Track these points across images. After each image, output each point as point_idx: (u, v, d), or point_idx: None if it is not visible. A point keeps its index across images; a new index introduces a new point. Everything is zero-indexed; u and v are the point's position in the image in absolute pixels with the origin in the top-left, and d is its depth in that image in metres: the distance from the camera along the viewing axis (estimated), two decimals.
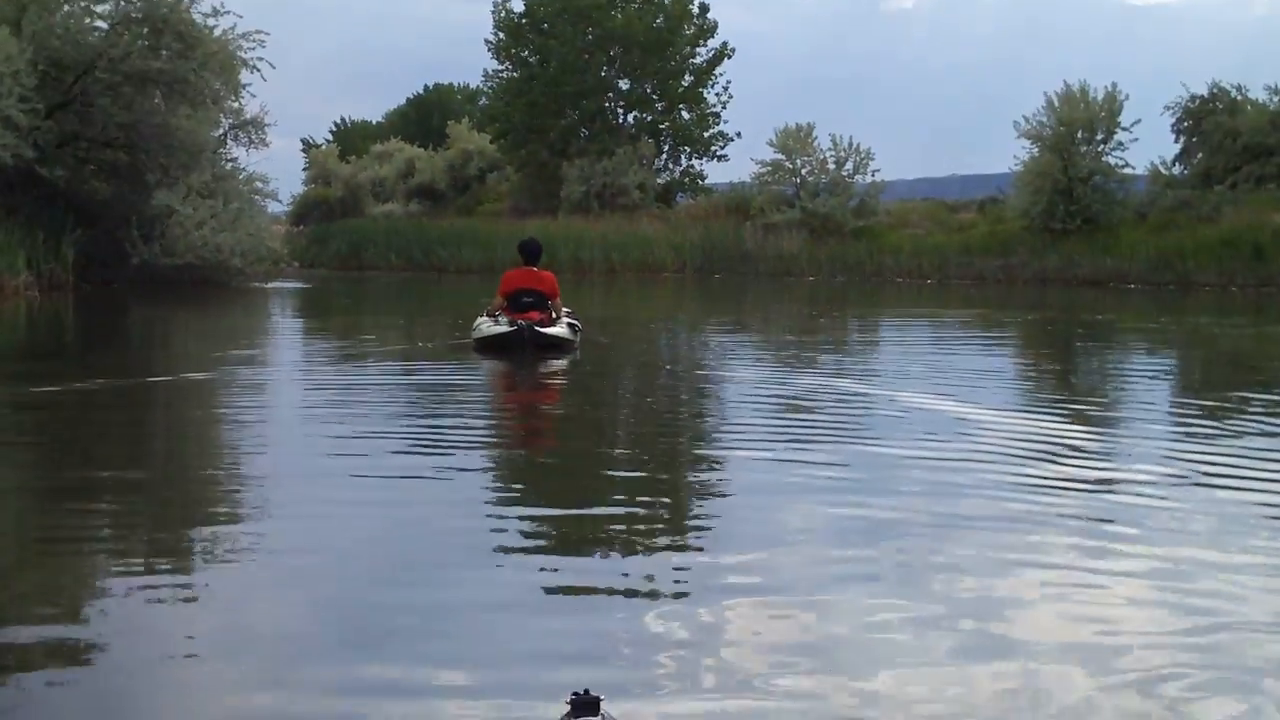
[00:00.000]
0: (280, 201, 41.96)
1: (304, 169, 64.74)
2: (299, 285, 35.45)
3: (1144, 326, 23.25)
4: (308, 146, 72.90)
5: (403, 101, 76.64)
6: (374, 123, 77.41)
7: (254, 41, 31.32)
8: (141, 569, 5.72)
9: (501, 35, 51.93)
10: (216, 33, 30.57)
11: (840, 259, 41.35)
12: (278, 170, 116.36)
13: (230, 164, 35.60)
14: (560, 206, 47.98)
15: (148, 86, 30.15)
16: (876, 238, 42.18)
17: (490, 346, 15.62)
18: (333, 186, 60.50)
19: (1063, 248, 37.48)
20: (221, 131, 38.36)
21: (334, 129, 79.41)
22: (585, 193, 47.81)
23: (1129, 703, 4.18)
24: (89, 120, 30.23)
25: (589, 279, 39.53)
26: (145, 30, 29.91)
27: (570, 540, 6.38)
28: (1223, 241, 34.88)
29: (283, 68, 42.52)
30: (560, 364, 15.08)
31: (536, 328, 15.34)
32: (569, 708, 1.96)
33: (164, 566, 5.77)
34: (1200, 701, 4.18)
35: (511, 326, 15.40)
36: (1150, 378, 15.55)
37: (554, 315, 15.93)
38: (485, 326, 15.84)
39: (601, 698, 1.95)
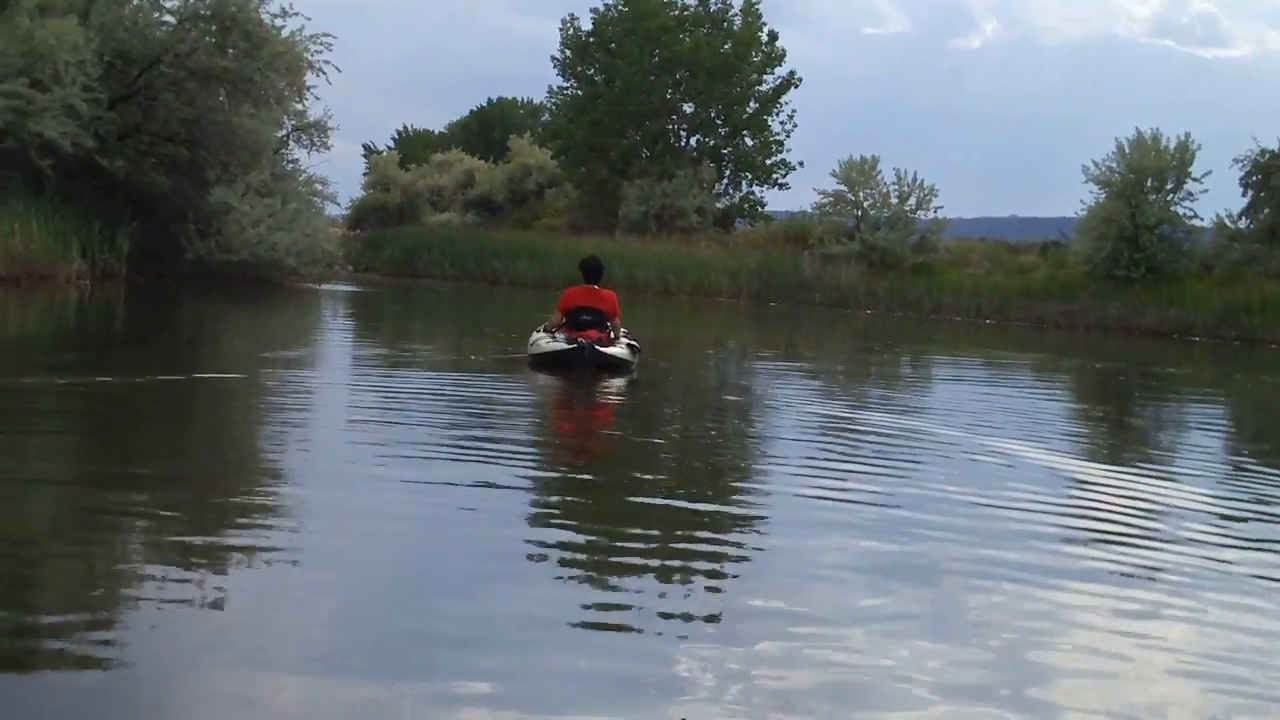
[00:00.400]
0: (338, 205, 41.84)
1: (364, 174, 64.78)
2: (352, 289, 35.22)
3: (1209, 380, 22.59)
4: (369, 152, 73.14)
5: (466, 113, 76.76)
6: (436, 132, 77.51)
7: (321, 44, 31.23)
8: (174, 569, 5.58)
9: (568, 53, 51.73)
10: (284, 33, 30.47)
11: (898, 294, 40.73)
12: (337, 174, 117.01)
13: (291, 165, 35.59)
14: (617, 225, 47.63)
15: (212, 84, 29.99)
16: (936, 275, 41.57)
17: (548, 363, 15.29)
18: (391, 193, 60.48)
19: (1126, 295, 36.77)
20: (284, 132, 38.48)
21: (396, 136, 79.56)
22: (644, 213, 47.45)
23: None
24: (151, 114, 30.10)
25: (643, 299, 39.16)
26: (213, 27, 29.77)
27: (607, 564, 6.24)
28: None
29: (348, 72, 42.53)
30: (617, 384, 14.67)
31: (597, 347, 14.96)
32: None
33: (197, 568, 5.61)
34: None
35: (571, 344, 15.04)
36: (1211, 435, 15.07)
37: (612, 335, 15.51)
38: (544, 343, 15.51)
39: None
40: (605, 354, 15.09)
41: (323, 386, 13.50)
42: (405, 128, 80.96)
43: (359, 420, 10.76)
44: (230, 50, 29.62)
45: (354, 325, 25.13)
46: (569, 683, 4.42)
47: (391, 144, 75.67)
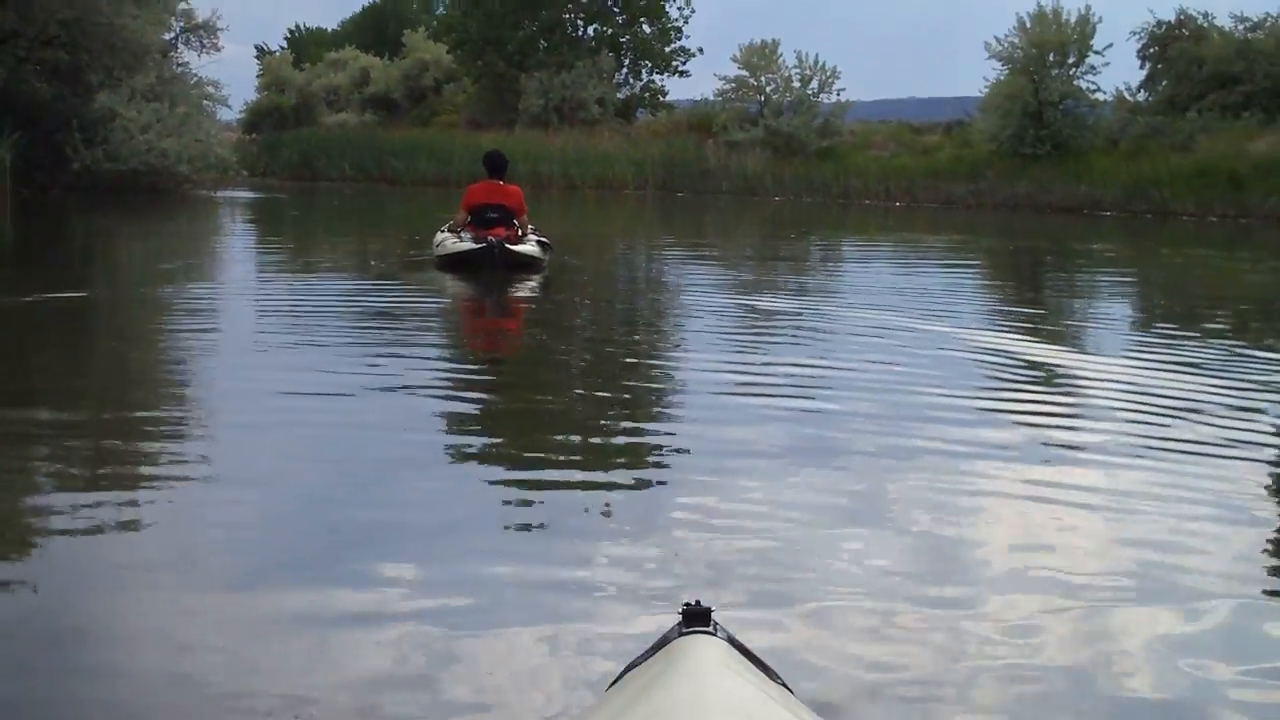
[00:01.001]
0: (231, 109, 40.44)
1: (257, 76, 62.89)
2: (249, 195, 34.19)
3: (1128, 257, 22.41)
4: (261, 53, 70.99)
5: (358, 9, 74.69)
6: (329, 30, 75.36)
7: None
8: (83, 490, 5.43)
9: None
10: None
11: (805, 179, 40.30)
12: (230, 77, 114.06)
13: (180, 68, 34.36)
14: (517, 120, 46.64)
15: None
16: (841, 159, 41.17)
17: (456, 264, 14.73)
18: (286, 94, 58.81)
19: (1032, 173, 36.62)
20: (172, 34, 37.16)
21: (288, 36, 77.36)
22: (543, 106, 46.48)
23: (1072, 627, 4.15)
24: (28, 16, 28.71)
25: (548, 195, 38.44)
26: None
27: (525, 462, 6.21)
28: (1198, 171, 34.06)
29: None
30: (530, 284, 14.16)
31: (507, 245, 14.39)
32: (680, 618, 1.90)
33: (108, 488, 5.46)
34: (1137, 625, 4.17)
35: (480, 243, 14.43)
36: (1117, 306, 15.24)
37: (520, 232, 14.89)
38: (450, 243, 14.92)
39: (712, 608, 1.89)
40: (516, 252, 14.53)
41: (222, 299, 12.97)
42: (298, 26, 78.82)
43: (263, 332, 10.37)
44: None
45: (252, 233, 24.37)
46: (490, 586, 4.36)
47: (284, 44, 73.64)
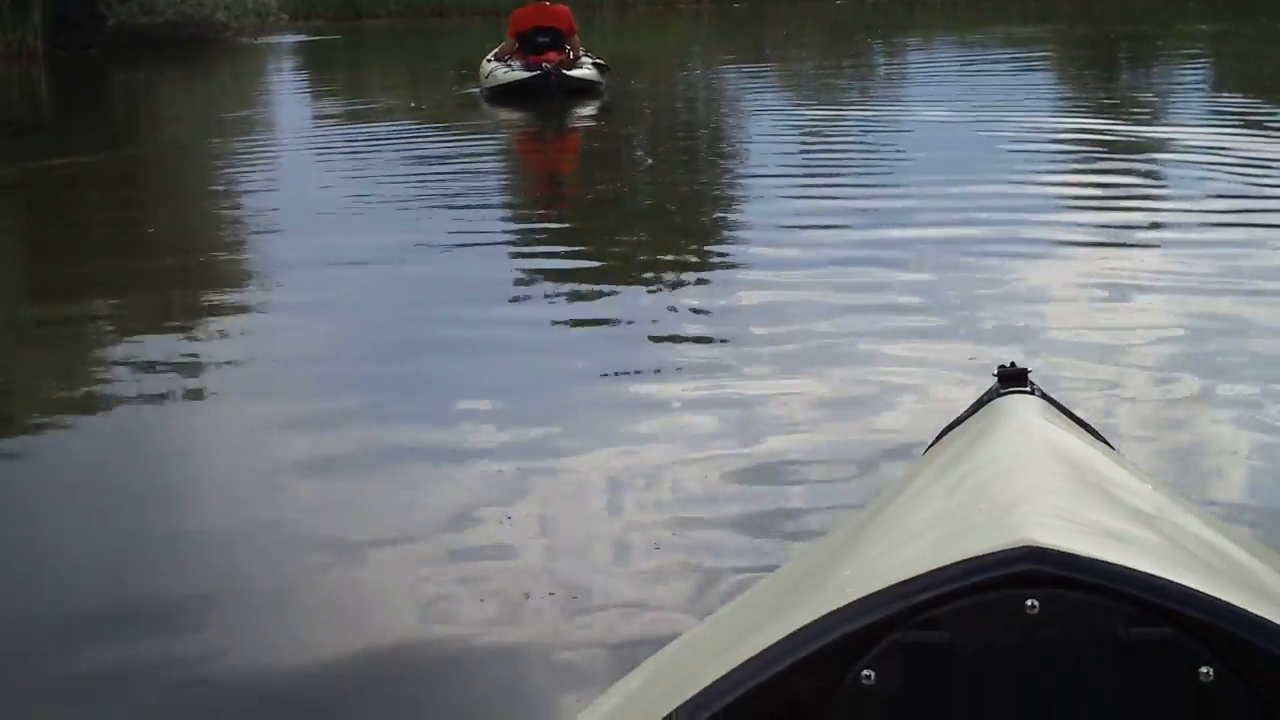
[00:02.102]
0: None
1: None
2: (292, 39, 32.76)
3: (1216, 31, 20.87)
4: None
5: None
6: None
7: None
8: (153, 330, 5.71)
9: None
10: None
11: None
12: None
13: None
14: None
15: None
16: None
17: (510, 93, 13.86)
18: None
19: None
20: None
21: None
22: None
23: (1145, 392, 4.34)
24: None
25: (600, 15, 36.96)
26: None
27: (595, 283, 6.36)
28: None
29: None
30: (589, 110, 13.17)
31: (563, 70, 13.41)
32: (996, 380, 1.83)
33: (174, 326, 5.80)
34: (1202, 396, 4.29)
35: (533, 70, 13.44)
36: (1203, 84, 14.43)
37: (572, 56, 13.80)
38: (501, 73, 13.98)
39: (1029, 370, 1.82)
40: (573, 77, 13.63)
41: (266, 152, 12.15)
42: None
43: (319, 184, 9.80)
44: None
45: (292, 79, 23.31)
46: (566, 389, 4.62)
47: None
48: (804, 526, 3.43)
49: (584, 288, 6.27)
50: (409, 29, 36.70)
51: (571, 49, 14.16)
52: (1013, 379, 1.81)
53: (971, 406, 1.87)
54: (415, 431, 4.24)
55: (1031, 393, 1.79)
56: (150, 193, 10.27)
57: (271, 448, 4.19)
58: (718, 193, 8.99)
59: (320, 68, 25.56)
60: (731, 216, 8.13)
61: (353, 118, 15.04)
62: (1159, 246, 6.38)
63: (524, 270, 6.76)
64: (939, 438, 1.91)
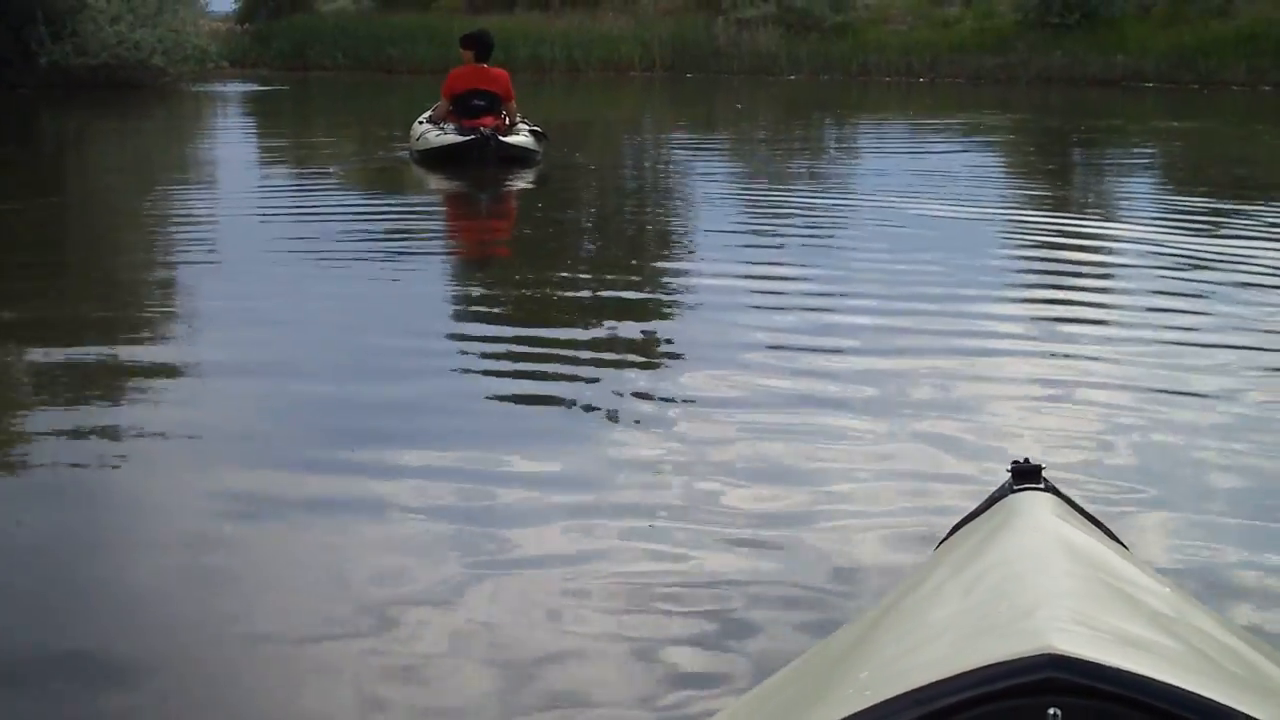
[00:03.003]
0: None
1: None
2: (232, 88, 31.62)
3: (1174, 128, 20.22)
4: None
5: None
6: None
7: None
8: (73, 386, 5.46)
9: None
10: None
11: (821, 56, 37.86)
12: None
13: None
14: (517, 2, 44.06)
15: None
16: (858, 34, 38.70)
17: (441, 158, 12.97)
18: None
19: (1066, 44, 34.10)
20: None
21: None
22: None
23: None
24: None
25: (550, 80, 36.18)
26: None
27: (532, 352, 6.10)
28: (1244, 37, 31.48)
29: None
30: (525, 179, 12.70)
31: (500, 137, 12.62)
32: (1010, 475, 1.86)
33: (96, 381, 5.53)
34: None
35: (468, 134, 12.60)
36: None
37: (509, 121, 12.94)
38: (433, 136, 13.11)
39: (1043, 465, 1.85)
40: (509, 144, 12.82)
41: (197, 204, 11.54)
42: None
43: (243, 241, 9.29)
44: None
45: (227, 132, 22.12)
46: (503, 449, 4.48)
47: None
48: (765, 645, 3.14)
49: (521, 348, 6.16)
50: (355, 82, 35.73)
51: (508, 114, 13.29)
52: (1026, 475, 1.82)
53: (985, 502, 1.85)
54: (345, 492, 4.15)
55: (1045, 489, 1.79)
56: (72, 241, 9.81)
57: (200, 505, 4.08)
58: (658, 279, 8.26)
59: (255, 120, 24.49)
60: (671, 307, 7.47)
61: (279, 174, 14.14)
62: (1105, 344, 6.14)
63: (451, 341, 6.45)
64: (951, 533, 1.89)
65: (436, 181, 12.84)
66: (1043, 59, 34.20)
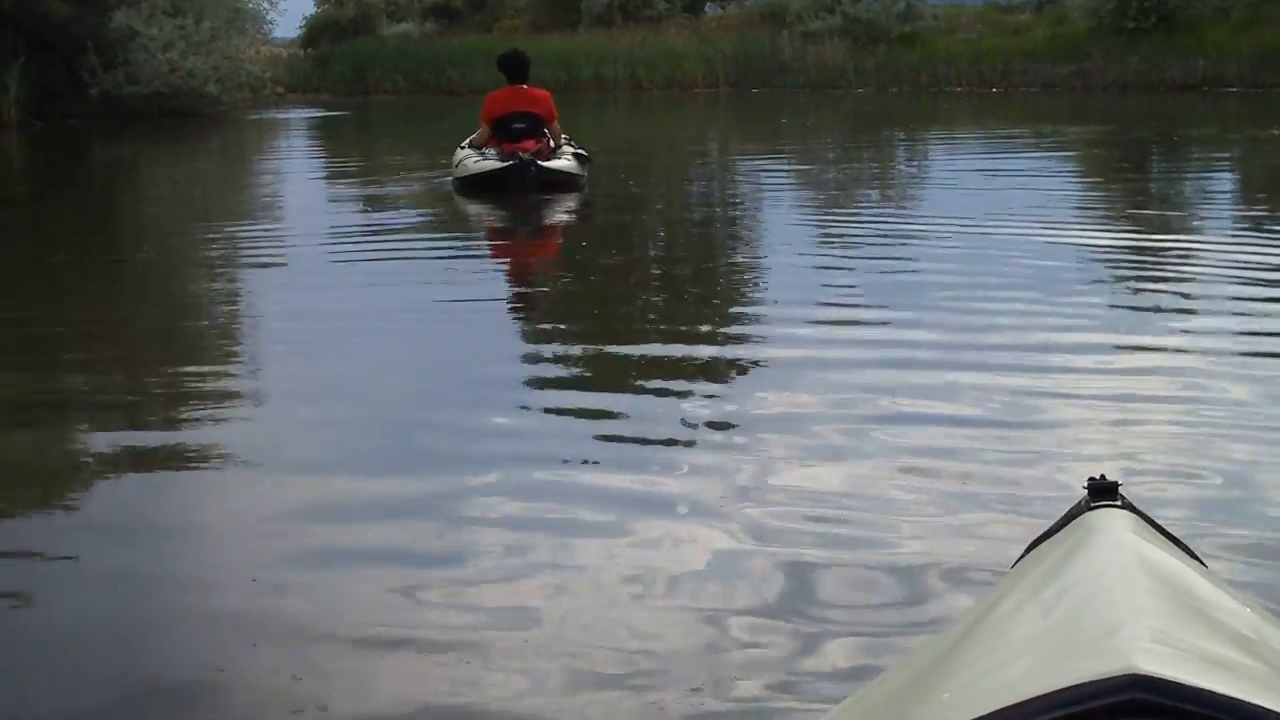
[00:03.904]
0: (270, 20, 37.34)
1: None
2: (286, 115, 30.85)
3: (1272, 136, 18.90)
4: None
5: None
6: None
7: None
8: (138, 415, 5.44)
9: None
10: None
11: (889, 68, 36.60)
12: None
13: None
14: (580, 20, 43.22)
15: None
16: (926, 44, 37.47)
17: (481, 185, 12.07)
18: (345, 6, 55.66)
19: (1143, 49, 32.65)
20: None
21: None
22: (607, 4, 43.03)
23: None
24: None
25: (613, 98, 35.31)
26: None
27: (600, 379, 5.90)
28: None
29: None
30: (569, 206, 11.81)
31: (540, 161, 11.78)
32: (1086, 493, 1.80)
33: (162, 409, 5.49)
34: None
35: (507, 160, 11.76)
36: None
37: (552, 143, 12.05)
38: (472, 162, 12.26)
39: (1119, 482, 1.78)
40: (551, 169, 11.90)
41: (239, 235, 10.87)
42: None
43: (291, 276, 8.87)
44: None
45: (276, 161, 21.23)
46: (570, 484, 4.37)
47: None
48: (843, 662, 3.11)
49: (590, 380, 5.91)
50: (415, 106, 34.95)
51: (551, 136, 12.37)
52: (1102, 492, 1.80)
53: (1061, 520, 1.83)
54: (414, 526, 4.05)
55: (1122, 506, 1.78)
56: (129, 274, 9.33)
57: (276, 535, 4.04)
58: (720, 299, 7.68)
59: (305, 148, 23.63)
60: (735, 331, 7.00)
61: (319, 206, 13.23)
62: (1188, 361, 5.76)
63: (512, 368, 6.18)
64: (1028, 551, 1.86)
65: (477, 210, 11.91)
66: (1118, 65, 32.78)
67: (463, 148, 12.76)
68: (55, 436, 5.34)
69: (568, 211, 11.60)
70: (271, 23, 38.49)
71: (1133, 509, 1.75)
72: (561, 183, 11.97)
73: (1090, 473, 1.66)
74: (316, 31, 55.67)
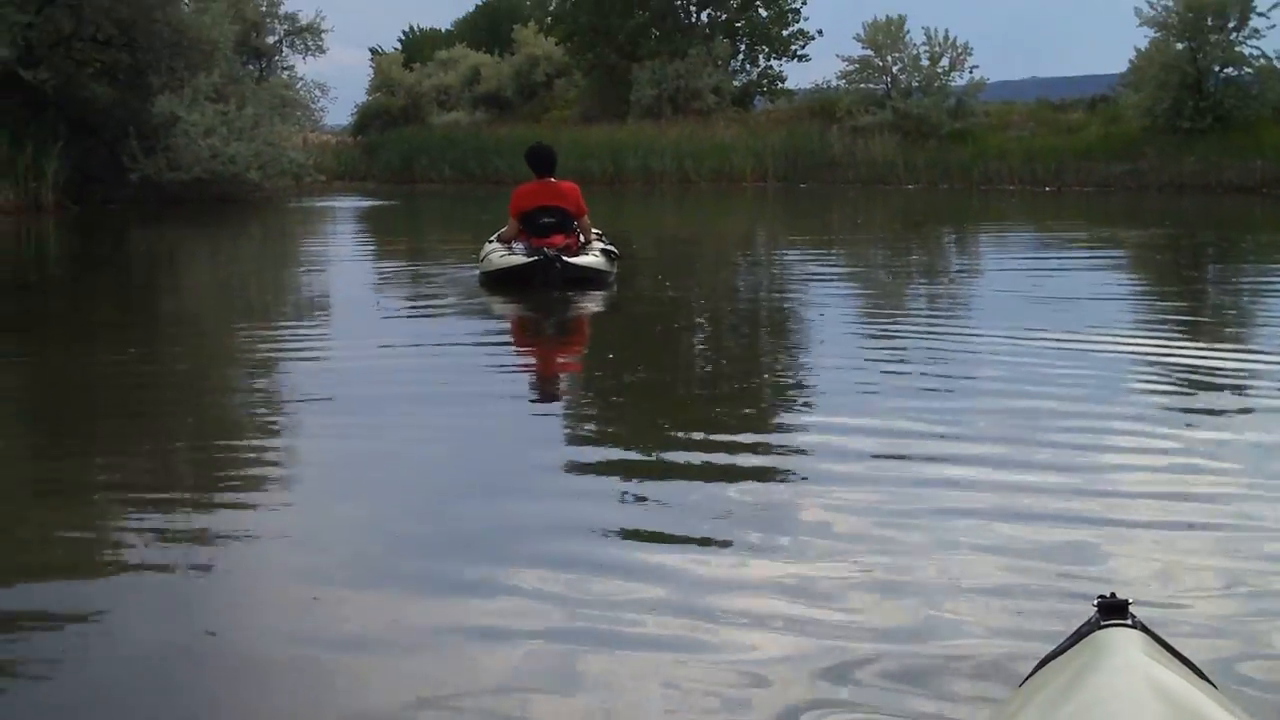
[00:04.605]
0: (320, 109, 37.26)
1: (369, 78, 59.89)
2: (329, 203, 30.25)
3: None
4: (376, 55, 68.13)
5: (472, 8, 71.54)
6: (443, 30, 72.30)
7: None
8: (204, 493, 5.48)
9: None
10: None
11: (939, 164, 35.92)
12: (347, 81, 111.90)
13: (285, 71, 33.03)
14: (629, 111, 42.88)
15: None
16: (978, 140, 36.80)
17: (506, 280, 11.57)
18: (396, 95, 55.66)
19: (1198, 149, 31.85)
20: (275, 38, 34.93)
21: (403, 37, 74.50)
22: (656, 97, 42.68)
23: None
24: (82, 16, 25.51)
25: (660, 190, 34.78)
26: None
27: (634, 479, 5.56)
28: None
29: None
30: (595, 302, 11.24)
31: (565, 257, 11.27)
32: (1097, 611, 1.83)
33: (221, 494, 5.46)
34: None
35: (533, 255, 11.29)
36: None
37: (581, 238, 11.51)
38: (497, 256, 11.72)
39: (1130, 600, 1.82)
40: (577, 265, 11.38)
41: (269, 328, 10.58)
42: (411, 28, 75.97)
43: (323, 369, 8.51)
44: None
45: (311, 251, 20.61)
46: (619, 576, 4.29)
47: (398, 45, 70.75)
48: None
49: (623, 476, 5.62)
50: (460, 195, 34.48)
51: (581, 231, 11.84)
52: (1113, 610, 1.76)
53: (1071, 638, 1.80)
54: (456, 609, 4.05)
55: (1133, 626, 1.75)
56: (164, 362, 9.06)
57: (309, 622, 3.98)
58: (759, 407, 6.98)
59: (344, 238, 23.02)
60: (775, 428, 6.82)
61: (357, 295, 12.80)
62: (1230, 483, 5.39)
63: (541, 468, 5.90)
64: (1037, 669, 1.84)
65: (503, 308, 11.26)
66: (1174, 165, 31.94)
67: (491, 241, 12.30)
68: (93, 517, 5.23)
69: (595, 314, 10.90)
70: (323, 110, 38.48)
71: (1144, 629, 1.74)
72: (588, 279, 11.40)
73: (1128, 581, 1.91)
74: (367, 119, 55.69)
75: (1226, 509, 4.97)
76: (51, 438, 6.80)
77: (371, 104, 56.32)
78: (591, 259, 11.51)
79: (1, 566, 4.60)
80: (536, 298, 11.05)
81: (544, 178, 12.11)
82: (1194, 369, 8.01)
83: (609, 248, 11.92)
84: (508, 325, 10.95)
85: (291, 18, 35.89)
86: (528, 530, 4.78)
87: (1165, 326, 10.09)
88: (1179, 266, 15.33)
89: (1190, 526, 4.78)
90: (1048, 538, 4.61)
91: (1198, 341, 9.14)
